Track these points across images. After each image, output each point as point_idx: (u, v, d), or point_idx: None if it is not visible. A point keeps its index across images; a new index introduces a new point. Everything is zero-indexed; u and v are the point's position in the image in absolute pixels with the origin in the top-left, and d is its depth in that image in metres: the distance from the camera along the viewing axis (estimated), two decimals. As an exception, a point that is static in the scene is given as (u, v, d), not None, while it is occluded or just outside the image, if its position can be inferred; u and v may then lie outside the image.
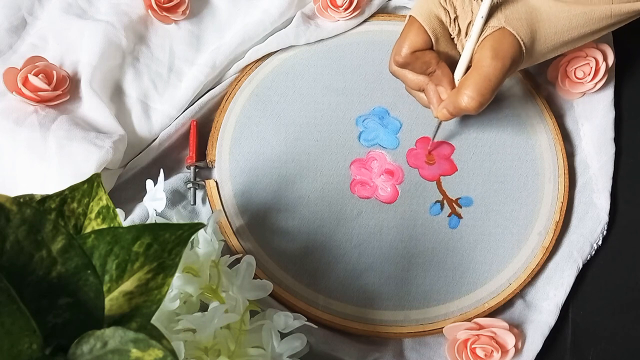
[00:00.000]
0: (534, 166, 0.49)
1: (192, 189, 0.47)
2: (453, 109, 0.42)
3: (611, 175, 0.50)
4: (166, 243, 0.25)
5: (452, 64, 0.43)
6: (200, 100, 0.50)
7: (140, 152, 0.48)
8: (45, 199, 0.27)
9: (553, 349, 0.45)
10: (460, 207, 0.48)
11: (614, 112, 0.52)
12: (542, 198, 0.48)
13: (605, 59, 0.50)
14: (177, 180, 0.47)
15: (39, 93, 0.45)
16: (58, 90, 0.46)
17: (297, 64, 0.52)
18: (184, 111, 0.50)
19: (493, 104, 0.51)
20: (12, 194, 0.23)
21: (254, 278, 0.36)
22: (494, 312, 0.45)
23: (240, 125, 0.49)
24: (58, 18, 0.50)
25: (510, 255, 0.46)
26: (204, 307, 0.35)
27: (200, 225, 0.26)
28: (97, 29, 0.49)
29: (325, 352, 0.42)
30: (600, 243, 0.48)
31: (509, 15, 0.41)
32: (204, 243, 0.35)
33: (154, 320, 0.25)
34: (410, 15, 0.43)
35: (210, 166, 0.49)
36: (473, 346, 0.42)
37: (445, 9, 0.42)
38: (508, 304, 0.45)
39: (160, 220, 0.40)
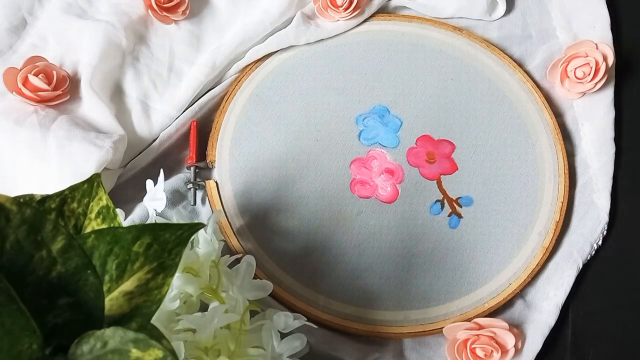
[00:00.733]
0: (534, 166, 0.49)
1: (192, 189, 0.47)
2: None
3: (611, 175, 0.50)
4: (166, 243, 0.25)
5: None
6: (200, 100, 0.50)
7: (140, 152, 0.48)
8: (45, 199, 0.27)
9: (553, 349, 0.45)
10: (461, 206, 0.48)
11: (614, 112, 0.52)
12: (542, 198, 0.48)
13: (605, 59, 0.50)
14: (177, 180, 0.47)
15: (39, 93, 0.45)
16: (58, 90, 0.46)
17: (297, 64, 0.52)
18: (184, 111, 0.50)
19: (493, 104, 0.51)
20: (12, 194, 0.23)
21: (254, 278, 0.36)
22: (494, 312, 0.45)
23: (240, 125, 0.49)
24: (58, 18, 0.50)
25: (510, 255, 0.46)
26: (204, 307, 0.35)
27: (200, 225, 0.26)
28: (97, 29, 0.49)
29: (325, 352, 0.42)
30: (600, 243, 0.48)
31: None
32: (204, 243, 0.35)
33: (154, 320, 0.25)
34: None
35: (210, 166, 0.49)
36: (473, 346, 0.42)
37: None
38: (508, 304, 0.45)
39: (160, 220, 0.40)
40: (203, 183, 0.47)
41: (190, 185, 0.47)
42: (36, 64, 0.46)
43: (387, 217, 0.47)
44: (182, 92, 0.50)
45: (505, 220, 0.47)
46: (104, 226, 0.28)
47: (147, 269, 0.25)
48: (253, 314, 0.37)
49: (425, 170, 0.49)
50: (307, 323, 0.36)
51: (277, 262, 0.45)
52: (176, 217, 0.46)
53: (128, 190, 0.47)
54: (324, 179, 0.48)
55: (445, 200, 0.48)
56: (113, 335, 0.23)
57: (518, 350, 0.43)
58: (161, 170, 0.40)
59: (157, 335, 0.23)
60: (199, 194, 0.47)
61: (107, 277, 0.25)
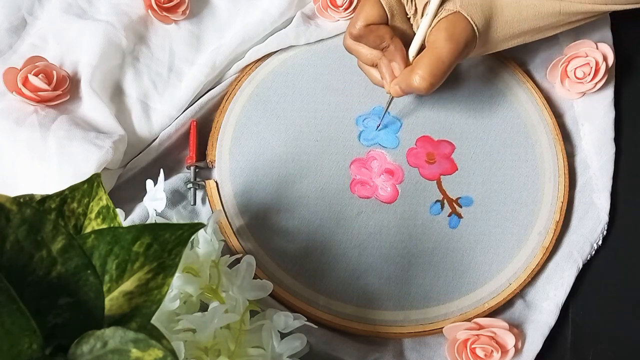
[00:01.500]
0: (534, 166, 0.49)
1: (192, 189, 0.47)
2: (405, 87, 0.43)
3: (611, 175, 0.50)
4: (166, 243, 0.25)
5: (406, 42, 0.44)
6: (200, 100, 0.50)
7: (140, 152, 0.48)
8: (45, 199, 0.27)
9: (553, 349, 0.45)
10: (461, 206, 0.48)
11: (614, 112, 0.52)
12: (542, 198, 0.48)
13: (605, 59, 0.50)
14: (177, 180, 0.47)
15: (39, 93, 0.45)
16: (58, 90, 0.46)
17: (297, 64, 0.52)
18: (184, 111, 0.50)
19: (493, 104, 0.51)
20: (12, 194, 0.23)
21: (254, 278, 0.36)
22: (494, 312, 0.45)
23: (240, 125, 0.49)
24: (58, 18, 0.50)
25: (510, 255, 0.46)
26: (204, 307, 0.35)
27: (200, 225, 0.26)
28: (97, 29, 0.49)
29: (325, 352, 0.42)
30: (600, 243, 0.48)
31: (464, 1, 0.42)
32: (204, 243, 0.35)
33: (154, 320, 0.25)
34: None
35: (210, 166, 0.49)
36: (473, 346, 0.42)
37: None
38: (508, 304, 0.45)
39: (160, 220, 0.40)
40: (203, 183, 0.47)
41: (190, 185, 0.47)
42: (36, 64, 0.46)
43: (387, 217, 0.47)
44: (182, 92, 0.50)
45: (505, 220, 0.47)
46: (104, 226, 0.28)
47: (147, 269, 0.25)
48: (253, 314, 0.37)
49: (425, 170, 0.49)
50: (307, 323, 0.36)
51: (277, 262, 0.45)
52: (176, 217, 0.46)
53: (128, 190, 0.47)
54: (324, 179, 0.48)
55: (445, 201, 0.48)
56: (113, 335, 0.23)
57: (518, 350, 0.43)
58: (161, 170, 0.40)
59: (157, 335, 0.23)
60: (199, 193, 0.47)
61: (107, 277, 0.25)
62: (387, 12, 0.43)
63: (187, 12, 0.52)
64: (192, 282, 0.33)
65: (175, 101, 0.49)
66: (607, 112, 0.52)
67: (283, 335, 0.35)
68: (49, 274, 0.23)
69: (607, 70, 0.51)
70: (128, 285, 0.25)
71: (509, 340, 0.42)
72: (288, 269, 0.45)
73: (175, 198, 0.47)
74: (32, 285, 0.23)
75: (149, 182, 0.40)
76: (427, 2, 0.43)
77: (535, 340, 0.44)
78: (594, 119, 0.52)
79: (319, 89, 0.51)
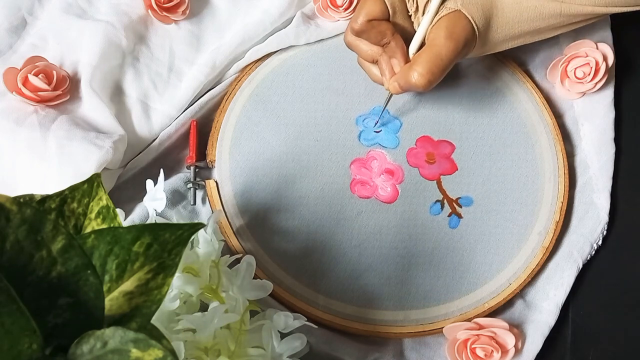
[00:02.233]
0: (534, 166, 0.49)
1: (192, 189, 0.47)
2: (404, 83, 0.44)
3: (611, 175, 0.50)
4: (166, 243, 0.25)
5: (407, 39, 0.44)
6: (200, 100, 0.50)
7: (140, 152, 0.48)
8: (45, 199, 0.27)
9: (553, 349, 0.45)
10: (461, 206, 0.48)
11: (614, 112, 0.52)
12: (542, 198, 0.48)
13: (605, 59, 0.50)
14: (177, 180, 0.47)
15: (39, 93, 0.45)
16: (58, 90, 0.46)
17: (297, 64, 0.52)
18: (184, 111, 0.50)
19: (493, 104, 0.51)
20: (12, 194, 0.23)
21: (254, 278, 0.36)
22: (494, 312, 0.45)
23: (240, 125, 0.49)
24: (58, 18, 0.50)
25: (510, 255, 0.46)
26: (204, 307, 0.35)
27: (200, 225, 0.26)
28: (97, 29, 0.49)
29: (325, 352, 0.42)
30: (600, 243, 0.48)
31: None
32: (204, 243, 0.35)
33: (154, 320, 0.25)
34: None
35: (210, 166, 0.49)
36: (473, 346, 0.42)
37: None
38: (508, 304, 0.45)
39: (160, 220, 0.40)
40: (203, 183, 0.47)
41: (190, 185, 0.47)
42: (36, 64, 0.46)
43: (387, 217, 0.47)
44: (182, 92, 0.50)
45: (505, 220, 0.47)
46: (104, 226, 0.28)
47: (147, 269, 0.25)
48: (253, 314, 0.37)
49: (425, 170, 0.49)
50: (307, 323, 0.36)
51: (277, 262, 0.45)
52: (176, 217, 0.46)
53: (128, 190, 0.47)
54: (324, 179, 0.48)
55: (445, 201, 0.48)
56: (113, 335, 0.23)
57: (518, 350, 0.43)
58: (161, 170, 0.40)
59: (157, 335, 0.23)
60: (199, 193, 0.47)
61: (107, 277, 0.25)
62: (389, 8, 0.43)
63: (187, 12, 0.52)
64: (192, 282, 0.33)
65: (175, 101, 0.49)
66: (607, 112, 0.52)
67: (283, 335, 0.35)
68: (49, 274, 0.23)
69: (607, 70, 0.51)
70: (128, 285, 0.25)
71: (509, 340, 0.42)
72: (288, 269, 0.45)
73: (175, 198, 0.47)
74: (32, 285, 0.23)
75: (149, 182, 0.40)
76: (428, 0, 0.43)
77: (535, 340, 0.44)
78: (594, 119, 0.52)
79: (319, 89, 0.51)
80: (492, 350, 0.42)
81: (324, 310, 0.44)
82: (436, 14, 0.42)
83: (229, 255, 0.37)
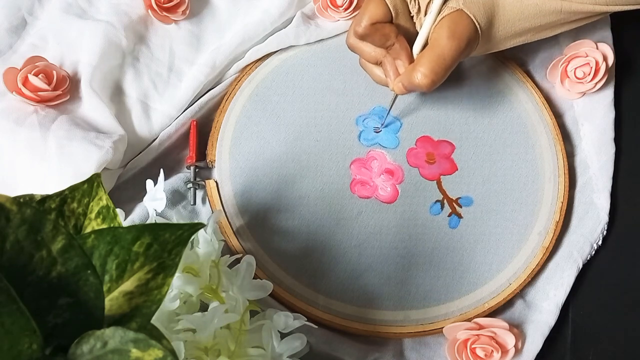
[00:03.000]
0: (534, 166, 0.49)
1: (192, 189, 0.47)
2: (408, 84, 0.44)
3: (611, 175, 0.50)
4: (166, 243, 0.25)
5: (410, 40, 0.44)
6: (200, 100, 0.50)
7: (140, 152, 0.48)
8: (45, 199, 0.27)
9: (553, 349, 0.45)
10: (461, 206, 0.48)
11: (614, 112, 0.52)
12: (542, 198, 0.48)
13: (605, 59, 0.50)
14: (177, 180, 0.47)
15: (39, 93, 0.45)
16: (58, 90, 0.46)
17: (297, 64, 0.52)
18: (184, 111, 0.50)
19: (493, 104, 0.51)
20: (12, 194, 0.23)
21: (254, 278, 0.36)
22: (494, 312, 0.45)
23: (240, 125, 0.49)
24: (58, 18, 0.50)
25: (510, 255, 0.46)
26: (204, 307, 0.35)
27: (200, 225, 0.26)
28: (97, 29, 0.49)
29: (325, 352, 0.42)
30: (600, 243, 0.48)
31: None
32: (204, 243, 0.35)
33: (154, 320, 0.25)
34: None
35: (210, 166, 0.49)
36: (473, 346, 0.42)
37: None
38: (508, 304, 0.45)
39: (160, 220, 0.40)
40: (203, 183, 0.47)
41: (190, 185, 0.47)
42: (36, 64, 0.46)
43: (387, 217, 0.47)
44: (182, 92, 0.50)
45: (505, 220, 0.47)
46: (104, 226, 0.28)
47: (147, 269, 0.25)
48: (253, 314, 0.37)
49: (425, 170, 0.49)
50: (307, 323, 0.36)
51: (277, 262, 0.45)
52: (176, 217, 0.46)
53: (128, 190, 0.47)
54: (324, 179, 0.48)
55: (445, 201, 0.48)
56: (113, 335, 0.23)
57: (518, 350, 0.43)
58: (161, 170, 0.40)
59: (157, 335, 0.23)
60: (199, 193, 0.47)
61: (107, 277, 0.25)
62: (392, 10, 0.43)
63: (187, 12, 0.52)
64: (192, 282, 0.33)
65: (175, 101, 0.49)
66: (607, 112, 0.52)
67: (283, 335, 0.35)
68: (49, 274, 0.23)
69: (607, 70, 0.51)
70: (128, 285, 0.25)
71: (509, 340, 0.42)
72: (288, 269, 0.45)
73: (175, 198, 0.47)
74: (32, 285, 0.23)
75: (149, 182, 0.40)
76: (430, 1, 0.43)
77: (535, 340, 0.44)
78: (594, 119, 0.52)
79: (319, 89, 0.51)
80: (492, 350, 0.42)
81: (324, 310, 0.44)
82: (438, 14, 0.42)
83: (229, 255, 0.37)
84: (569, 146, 0.51)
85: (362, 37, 0.44)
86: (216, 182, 0.47)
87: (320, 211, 0.47)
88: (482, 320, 0.43)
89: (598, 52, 0.51)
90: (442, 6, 0.42)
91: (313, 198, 0.47)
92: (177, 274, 0.32)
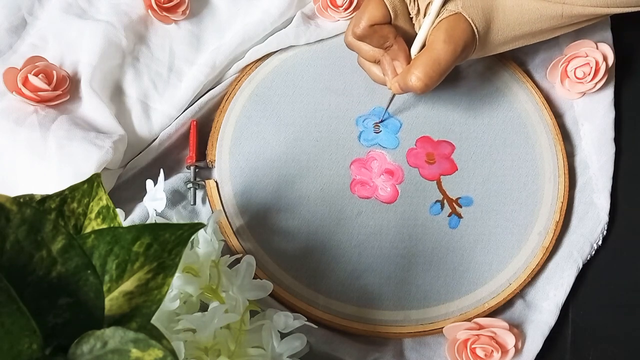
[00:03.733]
0: (534, 166, 0.49)
1: (192, 189, 0.47)
2: (403, 85, 0.44)
3: (611, 175, 0.50)
4: (166, 243, 0.25)
5: (408, 41, 0.44)
6: (200, 100, 0.50)
7: (140, 152, 0.48)
8: (45, 199, 0.27)
9: (553, 349, 0.45)
10: (461, 206, 0.48)
11: (614, 112, 0.52)
12: (542, 198, 0.48)
13: (605, 59, 0.50)
14: (177, 180, 0.47)
15: (39, 93, 0.45)
16: (58, 90, 0.46)
17: (297, 64, 0.52)
18: (184, 111, 0.50)
19: (493, 104, 0.51)
20: (12, 194, 0.23)
21: (254, 278, 0.36)
22: (494, 312, 0.45)
23: (240, 125, 0.49)
24: (58, 18, 0.50)
25: (510, 255, 0.46)
26: (204, 307, 0.35)
27: (200, 225, 0.26)
28: (97, 29, 0.49)
29: (325, 352, 0.42)
30: (600, 243, 0.48)
31: (466, 2, 0.42)
32: (204, 243, 0.35)
33: (154, 320, 0.25)
34: None
35: (210, 166, 0.49)
36: (473, 346, 0.42)
37: None
38: (508, 304, 0.45)
39: (160, 220, 0.40)
40: (203, 183, 0.47)
41: (190, 185, 0.47)
42: (36, 64, 0.46)
43: (387, 217, 0.47)
44: (182, 92, 0.50)
45: (505, 220, 0.47)
46: (104, 226, 0.28)
47: (147, 269, 0.25)
48: (253, 314, 0.37)
49: (425, 170, 0.49)
50: (307, 323, 0.36)
51: (277, 262, 0.45)
52: (176, 217, 0.46)
53: (128, 190, 0.47)
54: (324, 179, 0.48)
55: (445, 201, 0.48)
56: (113, 335, 0.23)
57: (518, 350, 0.43)
58: (161, 170, 0.40)
59: (157, 335, 0.23)
60: (199, 193, 0.47)
61: (107, 277, 0.25)
62: (391, 12, 0.43)
63: (187, 12, 0.52)
64: (192, 282, 0.33)
65: (175, 101, 0.49)
66: (607, 112, 0.52)
67: (283, 335, 0.35)
68: (49, 274, 0.23)
69: (607, 70, 0.51)
70: (128, 285, 0.25)
71: (509, 340, 0.42)
72: (288, 269, 0.45)
73: (175, 198, 0.47)
74: (32, 285, 0.23)
75: (149, 182, 0.40)
76: (429, 2, 0.43)
77: (535, 340, 0.44)
78: (594, 119, 0.52)
79: (319, 89, 0.51)
80: (492, 350, 0.42)
81: (324, 310, 0.44)
82: (437, 17, 0.42)
83: (229, 255, 0.38)
84: (569, 146, 0.51)
85: (361, 38, 0.44)
86: (216, 182, 0.47)
87: (320, 211, 0.47)
88: (482, 320, 0.43)
89: (598, 52, 0.51)
90: (440, 9, 0.42)
91: (313, 198, 0.47)
92: (177, 274, 0.32)
